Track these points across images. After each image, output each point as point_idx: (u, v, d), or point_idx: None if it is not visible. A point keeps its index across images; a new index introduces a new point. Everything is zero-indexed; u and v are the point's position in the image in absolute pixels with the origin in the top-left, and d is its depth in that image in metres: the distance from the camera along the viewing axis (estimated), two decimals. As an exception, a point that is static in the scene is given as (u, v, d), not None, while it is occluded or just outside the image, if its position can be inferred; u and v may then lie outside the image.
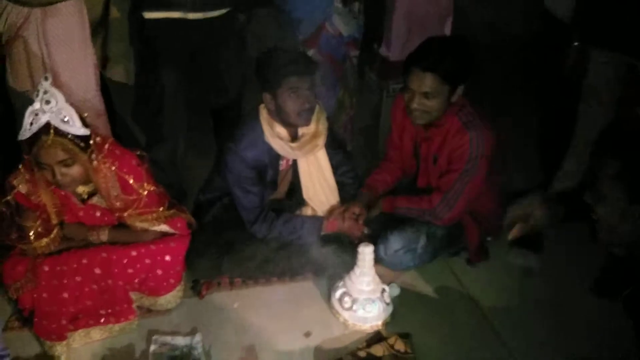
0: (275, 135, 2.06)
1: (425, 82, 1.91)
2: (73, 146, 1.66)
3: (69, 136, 1.64)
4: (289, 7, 2.39)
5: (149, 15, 2.10)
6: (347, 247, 2.17)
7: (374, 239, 2.10)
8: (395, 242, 2.10)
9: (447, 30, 2.71)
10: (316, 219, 2.21)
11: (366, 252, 1.95)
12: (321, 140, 2.16)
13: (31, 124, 1.62)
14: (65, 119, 1.62)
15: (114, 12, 2.29)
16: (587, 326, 1.94)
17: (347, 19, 2.46)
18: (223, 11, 2.18)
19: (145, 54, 2.19)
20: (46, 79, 1.62)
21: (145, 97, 2.28)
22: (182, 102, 2.36)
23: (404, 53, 2.56)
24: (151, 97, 2.25)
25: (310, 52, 2.39)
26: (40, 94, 1.62)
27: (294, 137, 2.12)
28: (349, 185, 2.32)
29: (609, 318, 1.92)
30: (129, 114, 2.54)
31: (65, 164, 1.68)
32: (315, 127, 2.13)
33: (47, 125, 1.61)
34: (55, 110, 1.61)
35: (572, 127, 2.28)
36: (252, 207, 2.13)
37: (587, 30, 2.02)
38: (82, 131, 1.67)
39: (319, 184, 2.22)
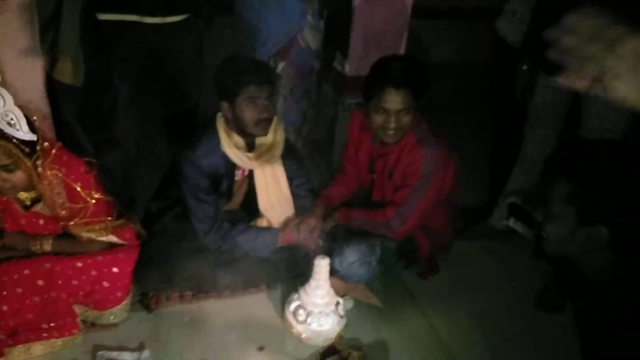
0: (231, 145, 2.03)
1: (400, 99, 1.93)
2: (17, 151, 1.57)
3: (14, 140, 1.56)
4: (261, 19, 2.36)
5: (104, 17, 2.03)
6: (301, 259, 2.16)
7: (329, 251, 2.10)
8: (351, 255, 2.11)
9: (402, 48, 2.79)
10: (271, 231, 2.18)
11: (322, 264, 1.95)
12: (278, 151, 2.15)
13: (-27, 124, 1.52)
14: (12, 122, 1.54)
15: (66, 12, 2.19)
16: (533, 338, 2.02)
17: (316, 32, 2.47)
18: (182, 17, 2.13)
19: (99, 56, 2.11)
20: (-6, 77, 1.54)
21: (96, 100, 2.19)
22: (134, 107, 2.29)
23: (360, 69, 2.61)
24: (103, 101, 2.17)
25: (281, 65, 2.38)
26: (-14, 92, 1.52)
27: (251, 147, 2.10)
28: (304, 197, 2.31)
29: (554, 330, 2.01)
30: (75, 118, 2.44)
31: (7, 169, 1.59)
32: (273, 138, 2.12)
33: (-9, 127, 1.52)
34: (1, 112, 1.52)
35: (519, 147, 2.39)
36: (206, 217, 2.09)
37: (535, 55, 2.12)
38: (29, 136, 1.59)
39: (274, 195, 2.20)
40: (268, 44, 2.37)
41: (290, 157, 2.24)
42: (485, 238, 2.55)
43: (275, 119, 2.10)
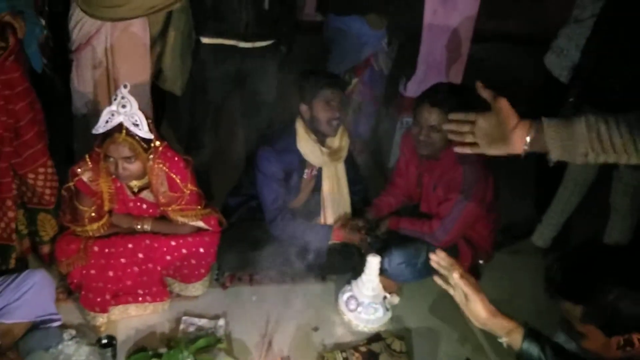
0: (308, 141, 2.34)
1: (432, 116, 2.19)
2: (138, 146, 1.94)
3: (137, 137, 1.93)
4: (341, 40, 2.68)
5: (206, 40, 2.41)
6: (353, 256, 2.45)
7: (379, 252, 2.37)
8: (398, 257, 2.36)
9: (459, 76, 3.04)
10: (326, 227, 2.47)
11: (373, 261, 2.23)
12: (343, 154, 2.45)
13: (106, 122, 1.91)
14: (136, 122, 1.91)
15: (172, 31, 2.57)
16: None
17: (388, 59, 2.78)
18: (268, 42, 2.50)
19: (199, 73, 2.49)
20: (125, 86, 1.91)
21: (193, 109, 2.58)
22: (221, 117, 2.66)
23: (418, 91, 2.88)
24: (197, 111, 2.55)
25: (354, 80, 2.70)
26: (118, 98, 1.91)
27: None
28: (358, 201, 2.58)
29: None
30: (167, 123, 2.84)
31: (128, 160, 1.96)
32: (339, 143, 2.43)
33: (120, 125, 1.90)
34: (129, 113, 1.90)
35: (563, 169, 2.59)
36: (274, 207, 2.39)
37: (582, 90, 2.33)
38: (148, 135, 1.96)
39: (334, 192, 2.48)
40: (345, 61, 2.70)
41: (350, 164, 2.54)
42: (526, 254, 2.75)
43: (342, 127, 2.40)
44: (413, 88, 2.99)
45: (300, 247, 2.42)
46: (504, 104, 1.25)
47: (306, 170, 2.44)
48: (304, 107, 2.32)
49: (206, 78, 2.49)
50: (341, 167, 2.47)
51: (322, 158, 2.39)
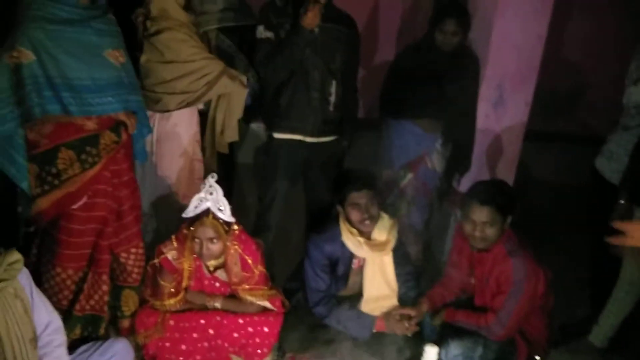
0: (349, 235, 2.50)
1: (484, 213, 2.32)
2: (221, 229, 2.17)
3: (221, 220, 2.16)
4: (398, 139, 2.94)
5: (278, 135, 2.71)
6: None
7: (436, 342, 2.42)
8: (455, 348, 2.39)
9: (512, 173, 3.20)
10: (370, 316, 2.55)
11: (431, 351, 2.29)
12: (389, 247, 2.57)
13: (195, 207, 2.15)
14: (221, 208, 2.16)
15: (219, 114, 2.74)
16: None
17: (442, 158, 3.00)
18: (332, 138, 2.78)
19: (270, 162, 2.77)
20: (212, 176, 2.18)
21: (262, 194, 2.83)
22: (285, 203, 2.89)
23: (470, 188, 3.04)
24: (267, 195, 2.80)
25: (409, 176, 2.92)
26: (207, 186, 2.16)
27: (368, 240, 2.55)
28: (410, 288, 2.66)
29: None
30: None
31: (212, 241, 2.18)
32: (387, 236, 2.57)
33: (207, 210, 2.14)
34: (215, 200, 2.15)
35: (618, 270, 2.62)
36: (317, 290, 2.54)
37: (632, 192, 2.43)
38: (230, 219, 2.19)
39: (378, 284, 2.58)
40: (401, 158, 2.93)
41: (399, 254, 2.65)
42: (584, 353, 2.71)
43: (390, 221, 2.56)
44: (466, 184, 3.15)
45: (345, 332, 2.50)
46: None
47: (354, 260, 2.58)
48: (339, 208, 2.52)
49: (276, 167, 2.75)
50: (388, 259, 2.58)
51: (365, 250, 2.53)
